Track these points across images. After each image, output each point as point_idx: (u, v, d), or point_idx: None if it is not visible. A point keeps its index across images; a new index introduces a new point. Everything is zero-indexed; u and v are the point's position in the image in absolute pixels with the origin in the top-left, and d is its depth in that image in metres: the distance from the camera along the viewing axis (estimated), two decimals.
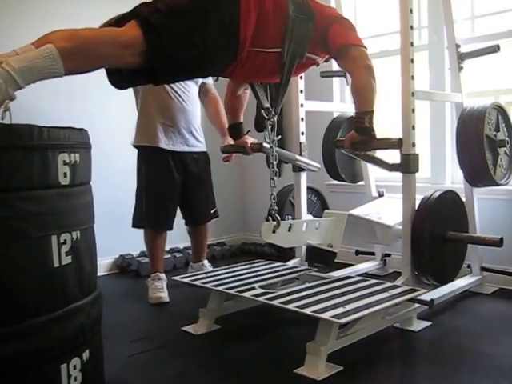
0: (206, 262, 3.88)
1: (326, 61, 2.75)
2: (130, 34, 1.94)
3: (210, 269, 3.61)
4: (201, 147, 3.61)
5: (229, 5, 2.12)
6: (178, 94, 3.43)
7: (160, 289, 3.44)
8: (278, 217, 2.64)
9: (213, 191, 3.79)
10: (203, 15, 2.05)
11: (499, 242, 2.82)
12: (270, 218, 2.67)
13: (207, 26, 2.04)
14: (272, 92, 2.67)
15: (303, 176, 3.35)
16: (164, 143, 3.43)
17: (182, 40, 1.99)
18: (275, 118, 2.58)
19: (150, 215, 3.49)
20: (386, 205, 3.54)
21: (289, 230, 2.75)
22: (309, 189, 3.51)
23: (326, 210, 3.12)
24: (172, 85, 3.34)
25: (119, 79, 2.10)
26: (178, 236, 3.80)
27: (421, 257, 2.79)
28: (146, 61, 1.95)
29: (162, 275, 3.54)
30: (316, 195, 3.72)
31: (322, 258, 2.87)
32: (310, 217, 3.57)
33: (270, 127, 2.61)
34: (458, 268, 3.04)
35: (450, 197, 2.99)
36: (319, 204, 3.75)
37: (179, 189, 3.56)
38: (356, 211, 3.37)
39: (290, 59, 2.41)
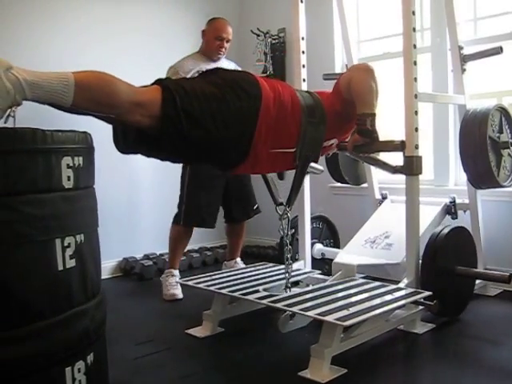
0: (238, 259, 3.99)
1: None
2: (149, 95, 1.95)
3: (243, 266, 3.73)
4: None
5: (250, 101, 2.15)
6: None
7: (174, 285, 3.55)
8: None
9: (252, 189, 3.89)
10: (223, 104, 2.07)
11: (508, 279, 2.82)
12: (286, 289, 2.70)
13: (224, 114, 2.07)
14: None
15: (306, 179, 3.34)
16: None
17: (196, 120, 2.00)
18: (289, 215, 2.60)
19: (187, 212, 3.61)
20: (391, 216, 3.49)
21: None
22: (313, 218, 3.52)
23: (334, 261, 3.09)
24: None
25: (124, 143, 2.11)
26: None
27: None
28: (154, 126, 1.95)
29: (176, 272, 3.65)
30: (320, 220, 3.71)
31: None
32: (321, 246, 3.60)
33: (284, 223, 2.62)
34: (467, 301, 3.02)
35: (458, 233, 2.97)
36: (325, 227, 3.74)
37: (221, 188, 3.70)
38: (363, 236, 3.34)
39: (303, 161, 2.47)
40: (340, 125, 2.63)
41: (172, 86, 2.00)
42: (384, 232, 3.32)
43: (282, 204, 2.64)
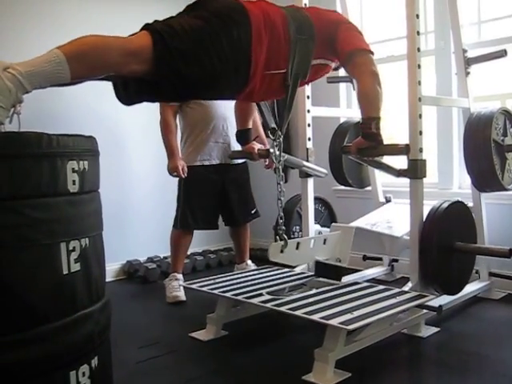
0: (249, 261, 4.01)
1: (336, 69, 2.75)
2: (138, 41, 1.95)
3: (254, 267, 3.73)
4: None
5: (240, 29, 2.11)
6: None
7: (177, 288, 3.57)
8: (286, 236, 2.64)
9: (251, 192, 3.90)
10: (214, 37, 2.04)
11: (508, 254, 2.80)
12: (277, 237, 2.67)
13: (217, 47, 2.04)
14: (278, 109, 2.68)
15: (310, 182, 3.34)
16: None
17: (189, 57, 1.99)
18: (281, 139, 2.59)
19: (183, 216, 3.64)
20: (394, 212, 3.52)
21: (296, 248, 2.75)
22: (316, 199, 3.51)
23: (332, 224, 3.11)
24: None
25: (126, 95, 2.10)
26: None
27: (428, 268, 2.78)
28: (151, 70, 1.94)
29: (180, 276, 3.67)
30: (323, 205, 3.72)
31: (330, 273, 2.86)
32: (318, 227, 3.58)
33: (276, 148, 2.61)
34: (467, 278, 3.02)
35: (457, 207, 2.97)
36: (326, 213, 3.75)
37: (218, 191, 3.72)
38: (363, 221, 3.36)
39: (294, 80, 2.43)
40: (328, 50, 2.56)
41: (160, 27, 1.98)
42: (386, 220, 3.34)
43: (274, 129, 2.63)
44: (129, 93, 2.09)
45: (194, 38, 2.00)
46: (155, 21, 2.05)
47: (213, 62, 2.04)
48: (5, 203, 1.42)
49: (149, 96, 2.18)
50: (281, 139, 2.58)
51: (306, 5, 3.32)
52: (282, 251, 2.59)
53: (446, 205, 2.86)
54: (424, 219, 2.84)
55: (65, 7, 3.97)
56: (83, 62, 1.79)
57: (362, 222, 3.36)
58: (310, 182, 3.34)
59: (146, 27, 2.01)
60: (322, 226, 3.66)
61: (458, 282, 2.96)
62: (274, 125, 2.65)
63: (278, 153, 2.62)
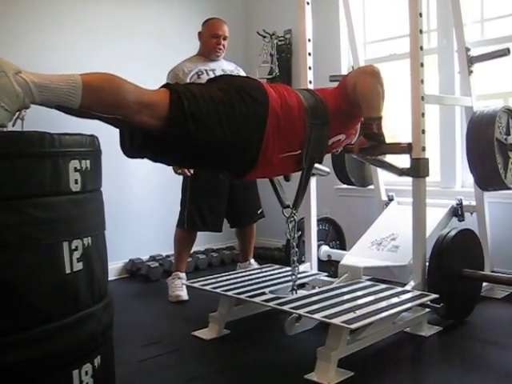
0: (252, 260, 4.01)
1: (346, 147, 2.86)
2: (156, 97, 1.97)
3: (257, 266, 3.72)
4: None
5: (257, 107, 2.15)
6: None
7: (179, 287, 3.57)
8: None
9: (258, 193, 3.90)
10: (230, 109, 2.07)
11: None
12: (292, 291, 2.69)
13: (230, 119, 2.07)
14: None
15: (313, 181, 3.33)
16: None
17: (202, 122, 2.01)
18: (295, 217, 2.60)
19: (190, 216, 3.63)
20: (397, 219, 3.48)
21: None
22: (319, 220, 3.51)
23: (340, 264, 3.09)
24: None
25: (130, 147, 2.11)
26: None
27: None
28: (161, 127, 1.95)
29: (182, 275, 3.67)
30: (326, 222, 3.71)
31: None
32: (327, 248, 3.60)
33: (290, 224, 2.61)
34: (473, 303, 3.00)
35: (465, 235, 2.96)
36: (331, 229, 3.74)
37: (226, 191, 3.72)
38: (369, 238, 3.33)
39: (309, 164, 2.47)
40: (345, 122, 2.61)
41: (180, 89, 2.01)
42: (390, 234, 3.31)
43: (288, 207, 2.64)
44: (133, 146, 2.10)
45: (210, 107, 2.03)
46: (177, 83, 2.09)
47: (224, 132, 2.07)
48: (7, 203, 1.43)
49: (151, 154, 2.19)
50: (295, 217, 2.59)
51: (308, 3, 3.32)
52: (297, 322, 2.60)
53: (453, 233, 2.86)
54: (432, 246, 2.84)
55: (64, 7, 3.96)
56: (97, 94, 1.79)
57: (368, 241, 3.32)
58: (313, 181, 3.34)
59: (167, 86, 2.05)
60: (329, 243, 3.67)
61: (465, 307, 2.94)
62: (288, 202, 2.67)
63: (291, 229, 2.62)
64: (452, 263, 2.83)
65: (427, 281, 2.80)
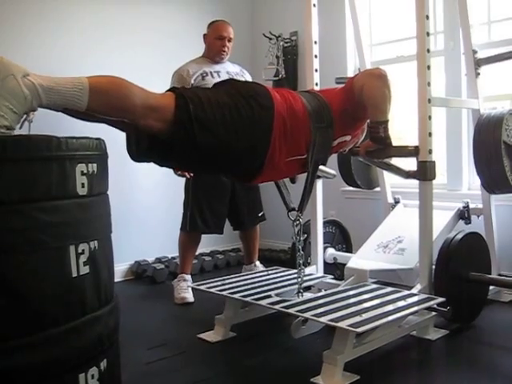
0: (257, 262, 4.02)
1: (352, 148, 2.86)
2: (163, 100, 1.97)
3: (262, 269, 3.73)
4: None
5: (262, 112, 2.15)
6: None
7: (185, 289, 3.57)
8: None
9: (260, 195, 3.90)
10: (235, 113, 2.07)
11: None
12: (298, 293, 2.68)
13: (236, 123, 2.07)
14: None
15: (319, 184, 3.33)
16: None
17: (208, 127, 2.01)
18: (301, 220, 2.59)
19: (192, 218, 3.64)
20: (404, 222, 3.47)
21: None
22: (325, 222, 3.50)
23: (346, 266, 3.08)
24: None
25: (136, 151, 2.11)
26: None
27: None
28: (167, 131, 1.96)
29: (188, 277, 3.68)
30: (333, 225, 3.71)
31: None
32: (333, 251, 3.59)
33: (296, 227, 2.60)
34: (480, 307, 2.99)
35: (471, 238, 2.95)
36: (338, 232, 3.73)
37: (228, 194, 3.73)
38: (375, 241, 3.33)
39: (314, 166, 2.47)
40: (351, 123, 2.61)
41: (186, 94, 2.02)
42: (397, 237, 3.31)
43: (293, 209, 2.63)
44: (140, 150, 2.10)
45: (216, 111, 2.04)
46: (183, 87, 2.09)
47: (229, 135, 2.07)
48: (14, 206, 1.43)
49: (158, 158, 2.19)
50: (300, 220, 2.58)
51: (315, 5, 3.32)
52: (303, 325, 2.59)
53: (460, 236, 2.85)
54: (439, 249, 2.83)
55: (70, 9, 3.96)
56: (104, 97, 1.80)
57: (374, 244, 3.32)
58: (319, 183, 3.33)
59: (173, 90, 2.06)
60: (335, 246, 3.67)
61: (472, 311, 2.93)
62: (293, 205, 2.66)
63: (297, 232, 2.61)
64: (459, 267, 2.81)
65: (434, 284, 2.79)
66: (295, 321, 2.53)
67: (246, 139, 2.11)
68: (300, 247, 2.63)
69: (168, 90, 2.08)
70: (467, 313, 2.88)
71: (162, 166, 2.34)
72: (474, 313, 2.93)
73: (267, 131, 2.17)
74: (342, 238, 3.76)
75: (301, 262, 2.64)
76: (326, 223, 3.54)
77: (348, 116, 2.54)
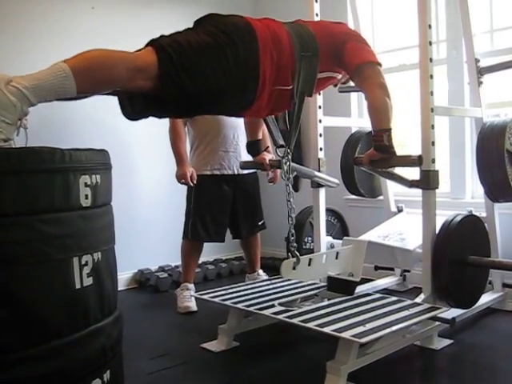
0: (260, 271, 4.01)
1: (345, 82, 2.75)
2: (144, 58, 1.95)
3: (265, 277, 3.74)
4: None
5: (247, 45, 2.12)
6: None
7: (188, 298, 3.57)
8: (297, 253, 2.61)
9: (260, 204, 3.91)
10: (220, 52, 2.05)
11: None
12: (289, 254, 2.65)
13: (223, 62, 2.05)
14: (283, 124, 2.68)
15: (322, 192, 3.33)
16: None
17: (194, 72, 1.99)
18: (289, 156, 2.55)
19: (194, 226, 3.65)
20: (406, 223, 3.49)
21: (308, 265, 2.72)
22: (328, 210, 3.49)
23: (344, 237, 3.09)
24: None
25: (132, 111, 2.11)
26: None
27: (441, 281, 2.76)
28: (157, 87, 1.95)
29: (191, 286, 3.68)
30: (336, 217, 3.71)
31: (342, 288, 2.84)
32: (330, 239, 3.57)
33: (285, 165, 2.56)
34: (480, 292, 2.99)
35: (470, 220, 2.95)
36: (339, 225, 3.73)
37: (229, 202, 3.74)
38: (375, 232, 3.34)
39: (300, 98, 2.41)
40: (332, 59, 2.54)
41: (166, 43, 1.98)
42: (398, 231, 3.33)
43: (282, 146, 2.61)
44: (135, 109, 2.10)
45: (200, 54, 2.00)
46: (161, 36, 2.05)
47: (218, 77, 2.04)
48: (18, 218, 1.43)
49: (155, 112, 2.18)
50: (289, 156, 2.55)
51: (317, 15, 3.32)
52: (294, 268, 2.58)
53: (459, 218, 2.84)
54: (437, 232, 2.82)
55: (73, 15, 3.98)
56: (89, 76, 1.79)
57: (374, 235, 3.34)
58: (322, 192, 3.33)
59: (152, 43, 2.02)
60: (334, 238, 3.64)
61: (471, 295, 2.93)
62: (282, 142, 2.63)
63: (286, 170, 2.57)
64: (458, 250, 2.81)
65: (432, 269, 2.79)
66: (286, 261, 2.53)
67: (234, 77, 2.08)
68: (290, 185, 2.56)
69: (147, 44, 2.03)
70: (468, 297, 2.90)
71: (160, 118, 2.32)
72: (474, 297, 2.94)
73: (256, 66, 2.13)
74: (341, 230, 3.78)
75: (291, 199, 2.59)
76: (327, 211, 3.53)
77: (332, 56, 2.50)
